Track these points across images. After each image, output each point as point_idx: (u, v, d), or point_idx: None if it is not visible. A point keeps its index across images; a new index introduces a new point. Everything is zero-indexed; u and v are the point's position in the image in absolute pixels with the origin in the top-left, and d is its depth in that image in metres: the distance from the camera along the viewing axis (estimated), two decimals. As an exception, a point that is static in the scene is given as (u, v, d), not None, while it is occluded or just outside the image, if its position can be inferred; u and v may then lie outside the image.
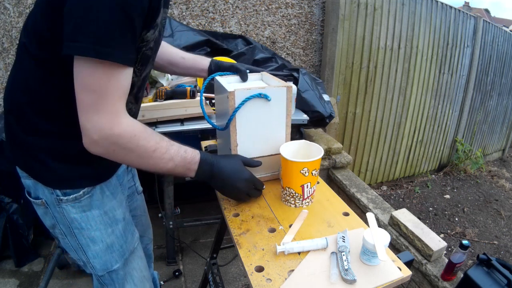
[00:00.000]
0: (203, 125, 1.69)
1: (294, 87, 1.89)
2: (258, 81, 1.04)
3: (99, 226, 0.86)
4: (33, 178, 0.81)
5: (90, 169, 0.83)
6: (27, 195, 0.87)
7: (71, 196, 0.81)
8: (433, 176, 4.27)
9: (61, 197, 0.81)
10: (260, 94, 0.87)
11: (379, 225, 1.80)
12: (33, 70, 0.73)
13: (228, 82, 0.97)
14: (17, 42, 2.06)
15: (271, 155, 0.97)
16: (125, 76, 0.67)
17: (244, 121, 0.89)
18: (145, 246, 1.23)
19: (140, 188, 1.17)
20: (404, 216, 1.70)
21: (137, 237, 0.99)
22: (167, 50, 1.06)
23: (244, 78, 0.99)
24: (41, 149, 0.78)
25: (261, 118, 0.90)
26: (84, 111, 0.66)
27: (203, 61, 1.08)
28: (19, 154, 0.81)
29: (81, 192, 0.82)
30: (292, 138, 0.97)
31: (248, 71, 1.01)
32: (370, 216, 0.79)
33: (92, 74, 0.63)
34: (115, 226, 0.90)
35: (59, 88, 0.73)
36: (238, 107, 0.85)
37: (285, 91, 0.90)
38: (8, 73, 2.09)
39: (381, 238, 0.70)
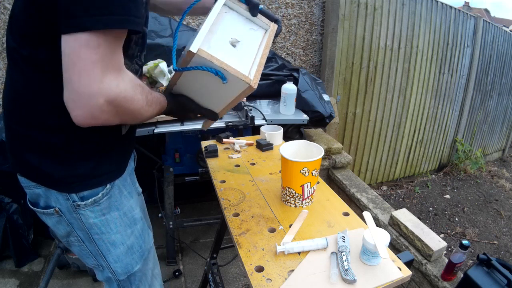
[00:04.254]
0: (203, 125, 1.69)
1: (293, 87, 1.89)
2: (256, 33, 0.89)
3: (119, 228, 0.85)
4: (46, 185, 0.77)
5: (108, 162, 0.81)
6: (31, 207, 0.82)
7: (90, 200, 0.78)
8: (433, 176, 4.26)
9: (78, 203, 0.78)
10: (216, 72, 0.74)
11: (379, 225, 1.80)
12: (31, 72, 0.70)
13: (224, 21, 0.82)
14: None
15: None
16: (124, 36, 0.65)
17: (190, 81, 0.82)
18: None
19: (140, 189, 1.16)
20: (404, 216, 1.70)
21: (152, 235, 0.99)
22: None
23: (253, 13, 0.86)
24: (58, 148, 0.74)
25: (208, 87, 0.82)
26: (86, 78, 0.59)
27: None
28: (28, 162, 0.76)
29: (100, 194, 0.79)
30: (292, 138, 0.97)
31: (262, 7, 0.90)
32: (367, 215, 0.79)
33: (97, 42, 0.58)
34: (134, 227, 0.88)
35: (57, 81, 0.69)
36: (188, 68, 0.76)
37: (243, 86, 0.77)
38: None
39: (380, 237, 0.70)
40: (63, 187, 0.77)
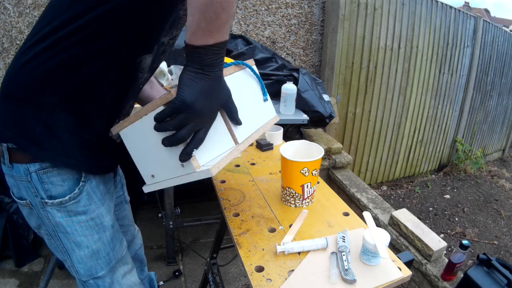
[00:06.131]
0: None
1: (293, 87, 1.89)
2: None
3: (84, 232, 0.85)
4: (17, 135, 0.73)
5: (78, 153, 0.78)
6: (12, 194, 0.85)
7: (57, 200, 0.79)
8: (433, 176, 4.27)
9: (46, 200, 0.79)
10: (267, 96, 0.87)
11: (379, 225, 1.80)
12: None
13: None
14: (17, 42, 2.06)
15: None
16: None
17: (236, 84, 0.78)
18: (136, 252, 1.22)
19: (128, 198, 1.16)
20: (404, 216, 1.70)
21: (125, 245, 0.98)
22: None
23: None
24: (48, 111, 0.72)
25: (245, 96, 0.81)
26: None
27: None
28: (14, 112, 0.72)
29: (66, 197, 0.80)
30: (292, 138, 0.97)
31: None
32: (367, 215, 0.79)
33: None
34: (102, 233, 0.88)
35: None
36: (243, 64, 0.81)
37: (272, 113, 0.91)
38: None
39: (381, 237, 0.70)
40: (27, 144, 0.73)
